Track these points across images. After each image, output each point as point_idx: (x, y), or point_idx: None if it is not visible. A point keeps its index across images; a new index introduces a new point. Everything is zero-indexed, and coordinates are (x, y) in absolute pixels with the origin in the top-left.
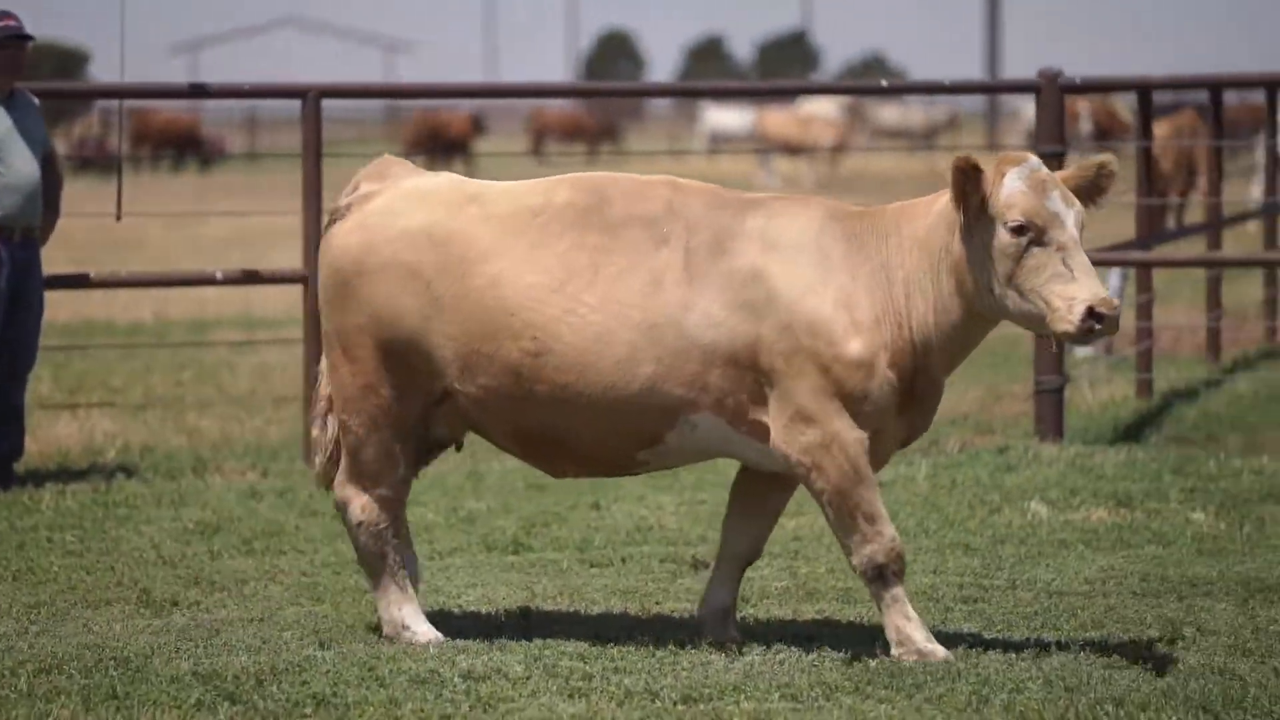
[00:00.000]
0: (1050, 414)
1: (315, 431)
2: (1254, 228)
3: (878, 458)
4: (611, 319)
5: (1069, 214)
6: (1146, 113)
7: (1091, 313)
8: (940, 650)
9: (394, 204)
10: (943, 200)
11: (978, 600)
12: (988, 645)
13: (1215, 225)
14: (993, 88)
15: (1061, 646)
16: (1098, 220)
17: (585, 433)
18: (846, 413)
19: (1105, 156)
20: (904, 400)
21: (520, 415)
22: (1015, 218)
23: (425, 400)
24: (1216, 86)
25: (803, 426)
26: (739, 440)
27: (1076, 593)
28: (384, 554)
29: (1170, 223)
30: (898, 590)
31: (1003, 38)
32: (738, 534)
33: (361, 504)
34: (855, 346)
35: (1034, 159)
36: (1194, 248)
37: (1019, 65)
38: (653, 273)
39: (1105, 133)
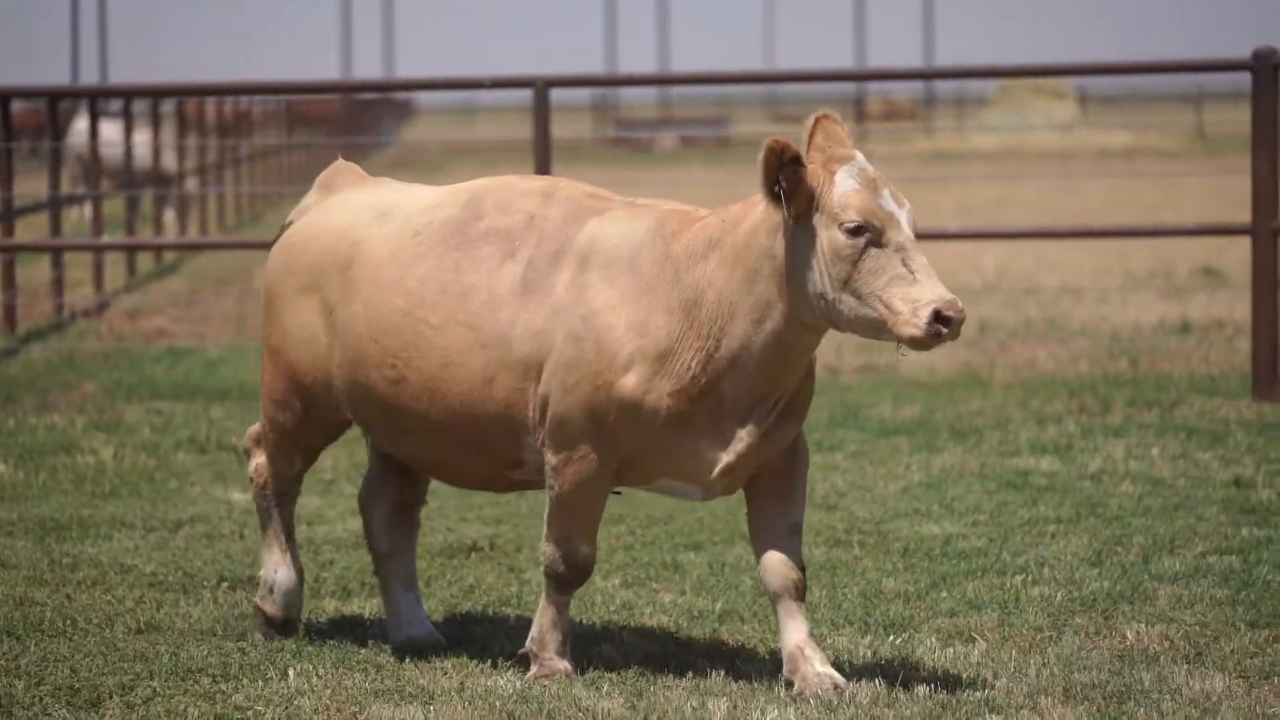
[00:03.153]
0: None
1: None
2: (44, 217)
3: (689, 476)
4: (453, 340)
5: (902, 213)
6: None
7: (938, 316)
8: (563, 665)
9: (317, 221)
10: (764, 203)
11: None
12: None
13: (9, 215)
14: None
15: None
16: None
17: (450, 457)
18: (602, 437)
19: None
20: (709, 421)
21: (398, 444)
22: (852, 218)
23: (325, 432)
24: (5, 98)
25: (562, 434)
26: None
27: None
28: (270, 513)
29: None
30: (560, 598)
31: None
32: (768, 569)
33: (256, 465)
34: (628, 381)
35: (860, 156)
36: None
37: None
38: (492, 290)
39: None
